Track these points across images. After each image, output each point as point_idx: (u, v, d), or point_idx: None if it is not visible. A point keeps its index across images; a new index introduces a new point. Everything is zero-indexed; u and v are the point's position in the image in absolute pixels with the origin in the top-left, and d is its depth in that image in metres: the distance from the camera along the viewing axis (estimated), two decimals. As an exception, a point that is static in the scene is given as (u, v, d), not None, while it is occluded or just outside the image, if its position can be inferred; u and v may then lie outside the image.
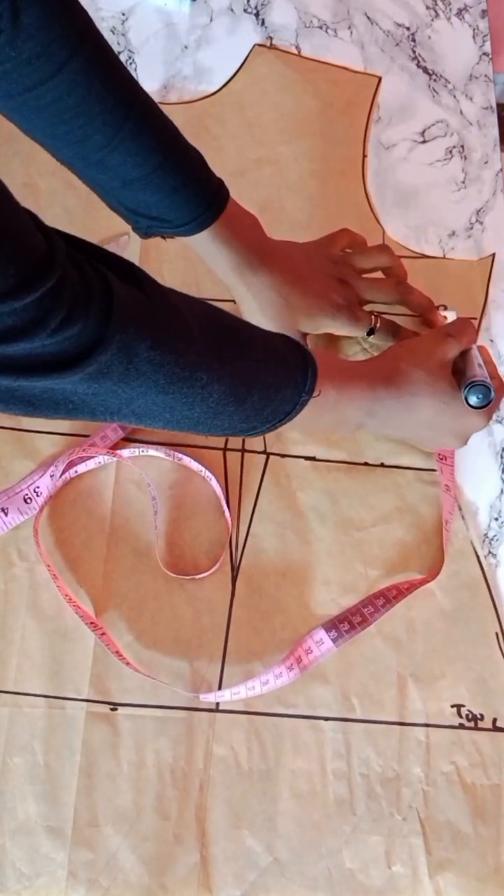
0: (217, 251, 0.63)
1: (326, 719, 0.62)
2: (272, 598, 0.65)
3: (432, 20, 0.86)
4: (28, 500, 0.65)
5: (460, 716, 0.63)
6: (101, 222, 0.70)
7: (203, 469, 0.67)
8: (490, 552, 0.67)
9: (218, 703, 0.62)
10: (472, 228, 0.78)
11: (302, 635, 0.63)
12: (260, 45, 0.83)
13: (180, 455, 0.67)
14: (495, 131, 0.83)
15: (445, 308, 0.72)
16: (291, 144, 0.79)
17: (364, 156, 0.80)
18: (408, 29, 0.86)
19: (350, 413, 0.61)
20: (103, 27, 0.79)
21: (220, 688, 0.62)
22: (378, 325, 0.68)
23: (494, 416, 0.70)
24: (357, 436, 0.68)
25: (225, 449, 0.68)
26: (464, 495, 0.69)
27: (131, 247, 0.73)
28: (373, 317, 0.67)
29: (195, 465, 0.67)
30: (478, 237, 0.78)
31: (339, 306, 0.65)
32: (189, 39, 0.83)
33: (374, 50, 0.85)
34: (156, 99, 0.59)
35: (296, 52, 0.84)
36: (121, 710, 0.61)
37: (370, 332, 0.68)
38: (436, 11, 0.87)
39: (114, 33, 0.82)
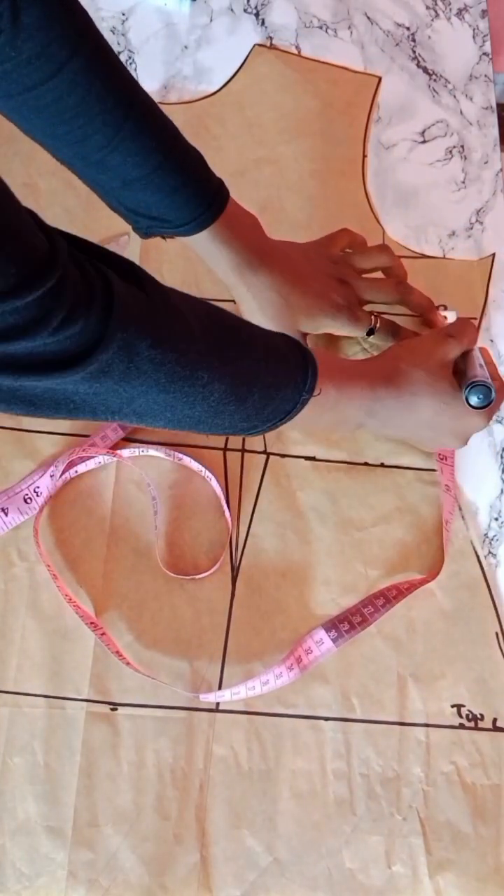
0: (217, 251, 0.63)
1: (326, 719, 0.62)
2: (272, 598, 0.65)
3: (432, 20, 0.86)
4: (28, 500, 0.65)
5: (460, 716, 0.63)
6: (101, 222, 0.70)
7: (203, 469, 0.67)
8: (490, 552, 0.67)
9: (218, 703, 0.62)
10: (472, 228, 0.78)
11: (302, 635, 0.63)
12: (260, 45, 0.83)
13: (180, 455, 0.67)
14: (495, 131, 0.83)
15: (445, 308, 0.72)
16: (291, 144, 0.79)
17: (364, 156, 0.80)
18: (408, 29, 0.86)
19: (350, 412, 0.61)
20: (103, 27, 0.79)
21: (220, 688, 0.62)
22: (378, 325, 0.68)
23: (494, 417, 0.70)
24: (357, 436, 0.68)
25: (225, 449, 0.68)
26: (464, 495, 0.69)
27: (131, 247, 0.73)
28: (373, 317, 0.67)
29: (195, 465, 0.67)
30: (478, 237, 0.78)
31: (339, 306, 0.65)
32: (189, 39, 0.83)
33: (374, 50, 0.85)
34: (156, 99, 0.59)
35: (296, 52, 0.84)
36: (121, 710, 0.61)
37: (370, 333, 0.68)
38: (436, 11, 0.87)
39: (114, 33, 0.82)
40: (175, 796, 0.60)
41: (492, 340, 0.74)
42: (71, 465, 0.66)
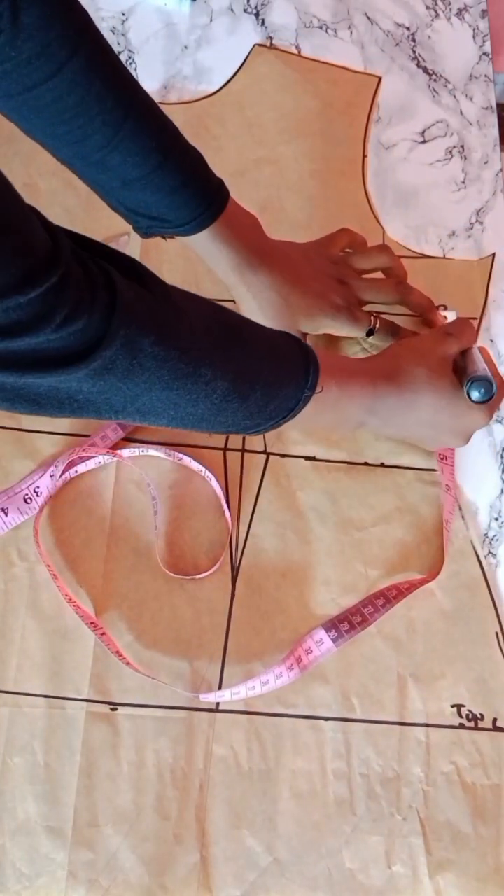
0: (217, 251, 0.63)
1: (326, 719, 0.62)
2: (272, 598, 0.65)
3: (432, 20, 0.86)
4: (28, 500, 0.65)
5: (460, 716, 0.63)
6: (101, 222, 0.70)
7: (203, 469, 0.67)
8: (490, 552, 0.67)
9: (218, 703, 0.62)
10: (472, 228, 0.78)
11: (302, 635, 0.63)
12: (260, 45, 0.83)
13: (180, 455, 0.67)
14: (495, 131, 0.83)
15: (445, 308, 0.72)
16: (291, 144, 0.79)
17: (364, 156, 0.80)
18: (408, 29, 0.86)
19: (352, 410, 0.61)
20: (103, 27, 0.79)
21: (220, 688, 0.62)
22: (377, 325, 0.68)
23: (495, 416, 0.70)
24: (357, 435, 0.68)
25: (225, 449, 0.68)
26: (464, 495, 0.69)
27: (131, 246, 0.73)
28: (372, 317, 0.67)
29: (195, 465, 0.67)
30: (478, 237, 0.78)
31: (339, 307, 0.65)
32: (189, 39, 0.83)
33: (374, 50, 0.85)
34: (156, 99, 0.59)
35: (296, 52, 0.84)
36: (121, 710, 0.61)
37: (370, 333, 0.68)
38: (436, 11, 0.87)
39: (114, 33, 0.83)
40: (175, 796, 0.60)
41: (492, 340, 0.74)
42: (71, 464, 0.66)
